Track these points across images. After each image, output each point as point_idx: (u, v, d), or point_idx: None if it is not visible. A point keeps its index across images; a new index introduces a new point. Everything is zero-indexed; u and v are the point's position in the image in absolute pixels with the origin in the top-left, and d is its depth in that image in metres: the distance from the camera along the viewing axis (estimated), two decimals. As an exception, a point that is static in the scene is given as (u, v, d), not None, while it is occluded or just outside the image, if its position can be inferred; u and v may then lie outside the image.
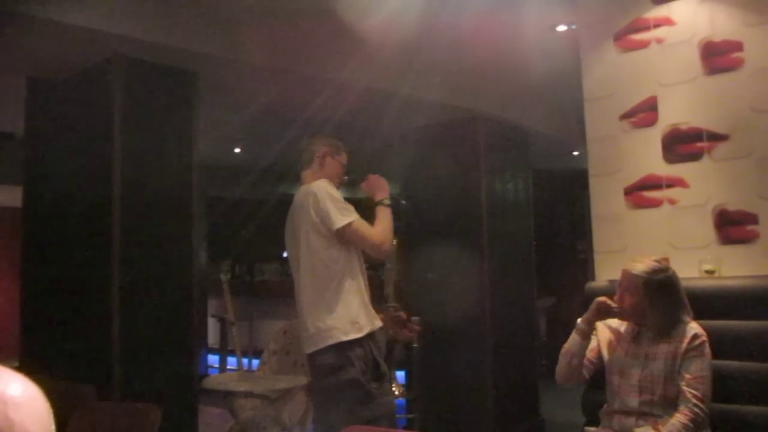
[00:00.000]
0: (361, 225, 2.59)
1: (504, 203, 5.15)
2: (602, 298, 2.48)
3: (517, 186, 5.34)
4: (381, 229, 2.66)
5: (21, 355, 3.79)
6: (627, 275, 2.45)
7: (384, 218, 2.71)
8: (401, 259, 5.00)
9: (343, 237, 2.56)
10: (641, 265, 2.43)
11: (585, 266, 7.52)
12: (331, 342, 2.49)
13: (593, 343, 2.58)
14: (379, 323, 2.63)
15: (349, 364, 2.47)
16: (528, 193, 5.45)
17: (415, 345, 3.94)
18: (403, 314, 2.91)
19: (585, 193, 3.38)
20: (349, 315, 2.52)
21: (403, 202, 2.81)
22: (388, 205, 2.75)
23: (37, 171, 3.84)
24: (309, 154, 2.82)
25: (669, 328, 2.39)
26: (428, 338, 4.89)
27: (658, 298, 2.38)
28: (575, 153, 6.37)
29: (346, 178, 2.86)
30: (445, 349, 4.91)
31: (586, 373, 2.56)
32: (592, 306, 2.48)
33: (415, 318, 2.87)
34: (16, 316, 3.92)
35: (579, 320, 2.52)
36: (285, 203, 8.92)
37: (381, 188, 2.80)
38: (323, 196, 2.56)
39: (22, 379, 0.80)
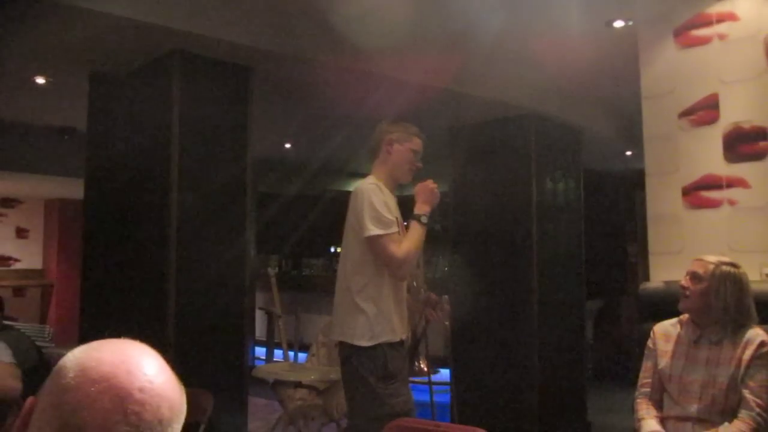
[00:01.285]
0: (390, 241, 2.46)
1: (554, 203, 5.08)
2: None
3: (568, 186, 5.25)
4: (406, 249, 2.49)
5: (80, 343, 3.92)
6: (698, 261, 2.38)
7: (414, 236, 2.54)
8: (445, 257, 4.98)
9: (370, 246, 2.49)
10: (714, 257, 2.37)
11: (635, 270, 7.37)
12: (343, 340, 2.51)
13: (650, 361, 2.48)
14: (401, 335, 2.55)
15: (356, 361, 2.47)
16: (579, 193, 5.36)
17: (446, 323, 3.92)
18: (433, 295, 2.87)
19: (637, 194, 3.31)
20: (367, 323, 2.46)
21: (438, 227, 2.67)
22: (424, 224, 2.58)
23: (98, 164, 3.97)
24: (376, 142, 2.69)
25: (732, 327, 2.29)
26: (475, 339, 4.88)
27: (725, 289, 2.28)
28: (628, 153, 6.24)
29: (419, 165, 2.68)
30: (491, 349, 4.88)
31: (658, 397, 2.45)
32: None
33: (444, 297, 2.85)
34: (78, 305, 4.07)
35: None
36: (332, 200, 9.04)
37: (426, 201, 2.62)
38: (363, 200, 2.49)
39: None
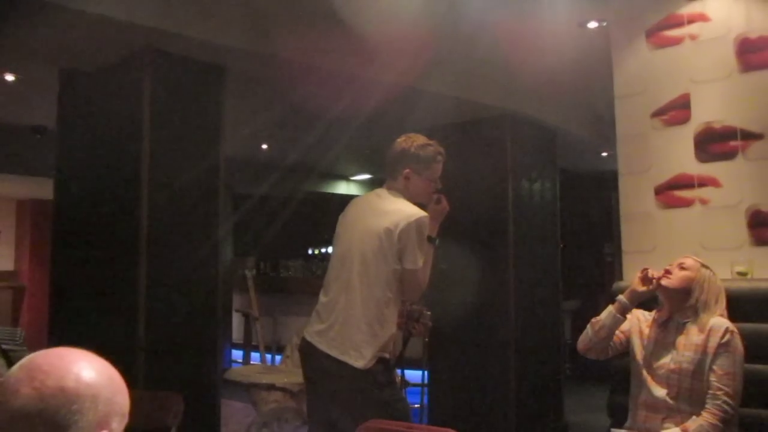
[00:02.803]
0: (422, 269, 2.46)
1: (530, 203, 5.10)
2: (645, 268, 2.48)
3: (544, 186, 5.28)
4: (428, 274, 2.50)
5: (49, 346, 3.84)
6: (687, 257, 2.48)
7: (430, 260, 2.51)
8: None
9: (406, 275, 2.44)
10: (694, 257, 2.49)
11: (611, 269, 7.43)
12: (344, 360, 2.39)
13: (625, 325, 2.55)
14: (389, 354, 2.51)
15: (354, 377, 2.37)
16: (555, 193, 5.39)
17: (426, 339, 3.89)
18: (416, 308, 2.82)
19: (613, 194, 3.33)
20: (376, 347, 2.39)
21: (437, 242, 2.62)
22: (436, 246, 2.55)
23: (68, 164, 3.90)
24: (392, 166, 2.55)
25: (703, 314, 2.36)
26: (450, 339, 4.87)
27: (708, 284, 2.40)
28: (603, 154, 6.28)
29: (435, 196, 2.60)
30: (467, 350, 4.87)
31: (610, 351, 2.54)
32: (637, 276, 2.47)
33: (427, 313, 2.79)
34: (46, 308, 3.99)
35: (621, 295, 2.50)
36: (311, 201, 8.97)
37: (439, 221, 2.59)
38: (415, 232, 2.40)
39: (97, 362, 0.95)
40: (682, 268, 2.43)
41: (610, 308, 2.50)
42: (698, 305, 2.37)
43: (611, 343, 2.53)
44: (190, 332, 3.33)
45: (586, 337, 2.54)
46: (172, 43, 3.31)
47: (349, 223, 2.59)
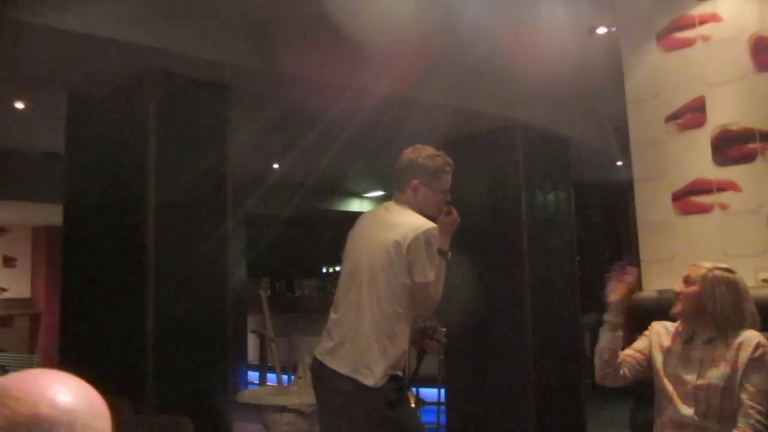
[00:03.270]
0: (433, 283, 2.39)
1: (544, 216, 5.01)
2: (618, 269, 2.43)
3: (558, 198, 5.19)
4: (440, 288, 2.43)
5: (59, 369, 3.81)
6: (692, 266, 2.33)
7: (442, 273, 2.45)
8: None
9: (417, 289, 2.37)
10: (709, 263, 2.32)
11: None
12: (353, 377, 2.31)
13: (642, 343, 2.44)
14: (400, 371, 2.44)
15: (363, 397, 2.30)
16: (570, 205, 5.30)
17: (441, 357, 3.79)
18: (430, 325, 2.72)
19: (630, 204, 3.25)
20: (387, 365, 2.32)
21: (449, 255, 2.55)
22: (447, 259, 2.49)
23: (76, 189, 3.90)
24: (400, 178, 2.49)
25: (727, 330, 2.22)
26: (467, 356, 4.78)
27: (719, 292, 2.23)
28: (619, 163, 6.18)
29: (445, 208, 2.53)
30: (484, 367, 4.77)
31: (627, 372, 2.41)
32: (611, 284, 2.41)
33: (442, 329, 2.69)
34: (54, 334, 3.97)
35: (605, 314, 2.42)
36: (324, 219, 8.94)
37: (449, 234, 2.53)
38: (424, 244, 2.34)
39: (77, 386, 0.85)
40: (687, 283, 2.29)
41: (602, 329, 2.41)
42: (716, 319, 2.22)
43: (628, 366, 2.41)
44: (200, 355, 3.28)
45: (597, 367, 2.43)
46: (177, 64, 3.30)
47: (357, 237, 2.54)
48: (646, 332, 2.45)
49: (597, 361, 2.42)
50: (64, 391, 0.84)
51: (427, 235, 2.35)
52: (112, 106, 3.66)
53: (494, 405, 4.72)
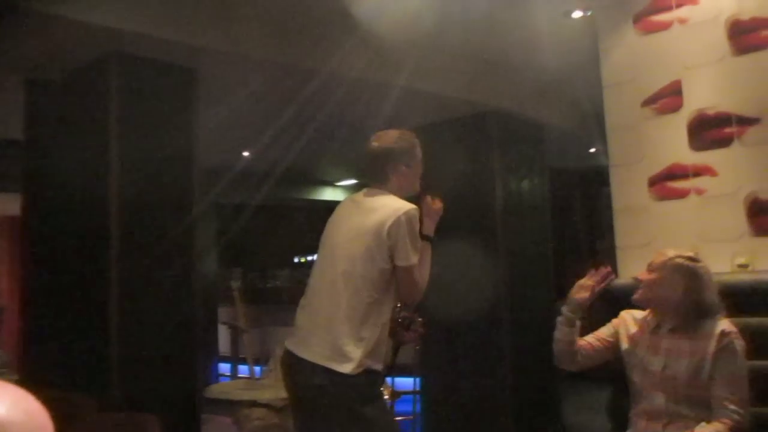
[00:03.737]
0: (416, 267, 2.32)
1: (519, 202, 4.98)
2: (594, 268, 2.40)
3: (533, 184, 5.16)
4: (426, 274, 2.38)
5: (21, 367, 3.68)
6: (657, 254, 2.32)
7: (428, 260, 2.40)
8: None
9: (401, 275, 2.30)
10: (674, 250, 2.29)
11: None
12: (327, 366, 2.23)
13: (606, 330, 2.44)
14: (381, 365, 2.36)
15: (336, 389, 2.23)
16: (544, 191, 5.27)
17: (417, 347, 3.73)
18: (407, 315, 2.61)
19: (603, 191, 3.21)
20: (364, 352, 2.24)
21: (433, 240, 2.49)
22: (432, 243, 2.45)
23: (36, 178, 3.74)
24: (377, 171, 2.42)
25: (691, 320, 2.20)
26: (443, 344, 4.74)
27: (681, 280, 2.20)
28: (592, 150, 6.18)
29: (429, 198, 2.51)
30: (460, 355, 4.74)
31: (582, 360, 2.39)
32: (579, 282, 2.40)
33: (419, 320, 2.62)
34: (16, 328, 3.83)
35: (564, 307, 2.39)
36: (296, 208, 8.82)
37: (433, 219, 2.50)
38: (407, 227, 2.26)
39: (12, 396, 0.78)
40: (649, 270, 2.28)
41: (559, 321, 2.38)
42: (673, 306, 2.21)
43: (585, 353, 2.39)
44: (167, 349, 3.17)
45: (554, 353, 2.42)
46: (140, 46, 3.16)
47: (334, 224, 2.47)
48: (615, 320, 2.44)
49: (554, 348, 2.41)
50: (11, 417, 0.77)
51: (408, 216, 2.27)
52: (72, 91, 3.51)
53: (470, 393, 4.69)
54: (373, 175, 2.44)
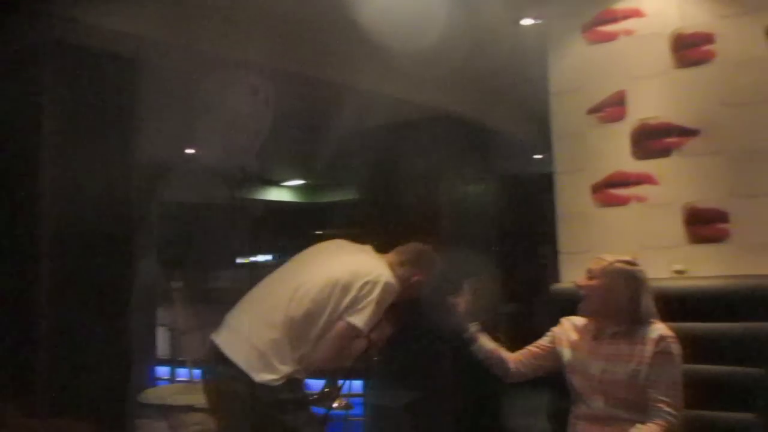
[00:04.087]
0: (351, 340, 2.33)
1: (465, 207, 5.02)
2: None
3: (479, 189, 5.22)
4: (351, 354, 2.39)
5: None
6: (595, 259, 2.38)
7: (358, 348, 2.40)
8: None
9: (337, 327, 2.29)
10: (612, 256, 2.36)
11: (545, 271, 7.46)
12: (250, 373, 2.21)
13: (545, 340, 2.53)
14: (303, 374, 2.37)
15: (265, 398, 2.21)
16: (490, 196, 5.34)
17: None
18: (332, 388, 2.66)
19: (546, 197, 3.27)
20: (292, 365, 2.26)
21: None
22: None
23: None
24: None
25: (630, 324, 2.27)
26: (384, 348, 4.72)
27: (620, 285, 2.27)
28: (538, 156, 6.29)
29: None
30: (402, 359, 4.73)
31: (524, 369, 2.53)
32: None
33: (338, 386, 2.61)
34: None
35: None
36: (241, 208, 8.61)
37: (388, 332, 2.57)
38: (379, 293, 2.32)
39: None
40: (589, 277, 2.34)
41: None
42: (614, 312, 2.27)
43: (523, 365, 2.52)
44: (99, 352, 3.03)
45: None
46: (77, 34, 3.02)
47: (322, 250, 2.53)
48: (554, 328, 2.51)
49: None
50: None
51: (387, 286, 2.33)
52: (1, 81, 3.33)
53: (411, 398, 4.69)
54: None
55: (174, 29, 3.24)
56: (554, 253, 3.14)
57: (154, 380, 6.93)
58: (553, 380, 2.65)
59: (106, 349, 3.06)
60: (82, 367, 2.98)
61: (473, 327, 2.56)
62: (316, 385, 2.76)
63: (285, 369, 2.20)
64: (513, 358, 2.53)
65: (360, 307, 2.27)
